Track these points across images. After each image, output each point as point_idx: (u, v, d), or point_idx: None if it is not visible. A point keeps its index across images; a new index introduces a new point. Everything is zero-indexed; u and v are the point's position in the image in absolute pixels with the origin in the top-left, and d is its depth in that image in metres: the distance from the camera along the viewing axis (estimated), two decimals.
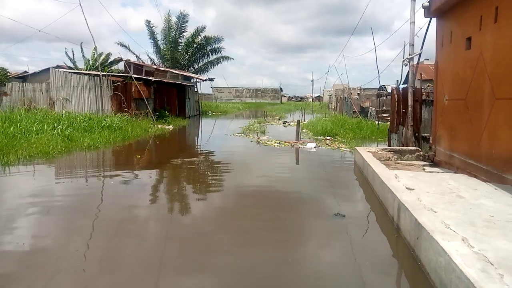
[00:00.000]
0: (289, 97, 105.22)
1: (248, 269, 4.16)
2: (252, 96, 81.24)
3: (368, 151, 9.71)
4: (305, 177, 9.31)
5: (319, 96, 79.69)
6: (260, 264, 4.28)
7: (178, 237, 5.12)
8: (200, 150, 14.33)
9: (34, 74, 36.28)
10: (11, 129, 13.03)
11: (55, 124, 14.29)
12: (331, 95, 53.21)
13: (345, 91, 33.15)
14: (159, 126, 20.28)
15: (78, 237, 5.02)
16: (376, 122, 20.56)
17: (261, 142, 15.07)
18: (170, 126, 21.09)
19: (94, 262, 4.28)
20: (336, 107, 37.25)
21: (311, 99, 70.77)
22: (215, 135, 20.16)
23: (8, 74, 36.33)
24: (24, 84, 23.10)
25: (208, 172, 9.78)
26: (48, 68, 23.57)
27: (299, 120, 16.69)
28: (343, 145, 14.23)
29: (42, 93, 21.44)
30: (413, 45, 10.64)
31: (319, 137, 16.63)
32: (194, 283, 3.86)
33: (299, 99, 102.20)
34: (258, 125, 23.10)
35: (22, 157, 10.10)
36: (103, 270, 4.10)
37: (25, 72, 39.13)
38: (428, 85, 11.34)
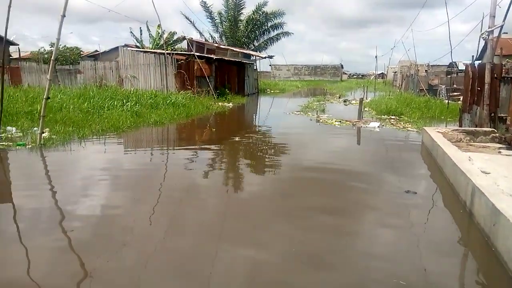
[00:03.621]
0: (350, 74, 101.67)
1: (310, 242, 4.15)
2: (311, 73, 79.68)
3: (438, 131, 9.16)
4: (370, 156, 9.03)
5: (382, 73, 76.16)
6: (321, 237, 4.25)
7: (234, 213, 5.24)
8: (259, 128, 14.43)
9: (105, 52, 38.45)
10: (85, 104, 13.99)
11: (124, 101, 15.08)
12: (395, 72, 50.65)
13: (412, 68, 31.35)
14: (220, 103, 20.65)
15: (145, 204, 5.34)
16: (446, 101, 19.29)
17: (320, 120, 14.81)
18: (230, 104, 21.40)
19: (160, 227, 4.53)
20: (401, 85, 35.46)
21: (373, 77, 67.94)
22: (273, 113, 20.16)
23: (81, 53, 38.86)
24: (96, 62, 24.56)
25: (267, 149, 9.85)
26: (117, 47, 24.83)
27: (362, 98, 16.09)
28: (409, 125, 13.56)
29: (112, 71, 22.66)
30: (494, 16, 9.71)
31: (382, 116, 15.99)
32: (251, 253, 3.94)
33: (360, 76, 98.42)
34: (318, 103, 22.69)
35: (95, 131, 10.82)
36: (167, 237, 4.32)
37: (96, 51, 41.62)
38: (507, 61, 10.28)
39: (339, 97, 28.72)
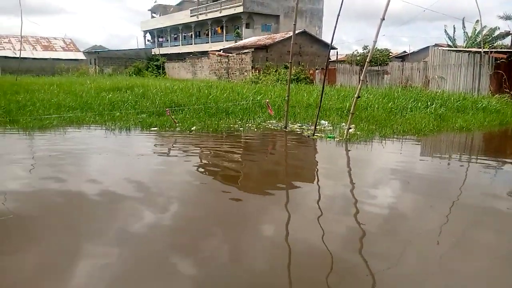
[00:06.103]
0: None
1: None
2: None
3: None
4: None
5: None
6: None
7: None
8: None
9: (413, 53, 38.40)
10: (389, 105, 14.43)
11: (428, 103, 14.57)
12: None
13: None
14: None
15: (435, 213, 5.01)
16: None
17: None
18: None
19: (448, 243, 4.18)
20: None
21: None
22: None
23: (390, 54, 40.19)
24: (403, 63, 24.85)
25: None
26: (427, 47, 24.21)
27: None
28: None
29: (419, 72, 22.33)
30: None
31: None
32: None
33: None
34: None
35: (396, 131, 10.98)
36: (453, 254, 3.89)
37: (404, 52, 42.14)
38: None
39: None
